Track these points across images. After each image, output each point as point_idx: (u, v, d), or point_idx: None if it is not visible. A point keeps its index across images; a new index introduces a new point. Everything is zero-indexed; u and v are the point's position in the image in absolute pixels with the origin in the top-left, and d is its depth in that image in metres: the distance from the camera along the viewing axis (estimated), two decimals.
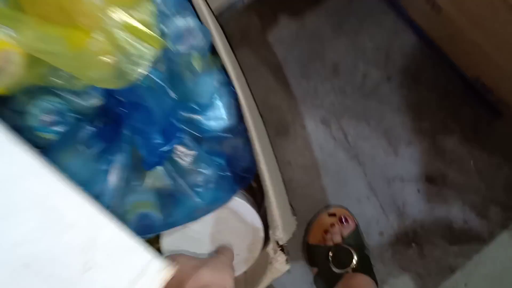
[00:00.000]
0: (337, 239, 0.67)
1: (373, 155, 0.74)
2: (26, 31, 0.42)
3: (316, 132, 0.75)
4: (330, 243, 0.68)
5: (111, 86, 0.40)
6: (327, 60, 0.77)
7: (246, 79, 0.60)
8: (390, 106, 0.74)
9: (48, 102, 0.49)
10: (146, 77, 0.43)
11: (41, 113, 0.49)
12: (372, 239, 0.73)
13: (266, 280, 0.46)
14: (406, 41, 0.76)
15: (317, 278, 0.68)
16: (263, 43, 0.78)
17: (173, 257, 0.45)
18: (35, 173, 0.30)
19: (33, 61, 0.43)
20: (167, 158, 0.45)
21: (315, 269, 0.68)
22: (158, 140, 0.44)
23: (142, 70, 0.40)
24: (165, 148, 0.43)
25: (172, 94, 0.42)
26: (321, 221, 0.70)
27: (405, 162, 0.74)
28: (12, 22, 0.41)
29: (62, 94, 0.48)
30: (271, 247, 0.45)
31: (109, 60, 0.40)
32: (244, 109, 0.45)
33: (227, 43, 0.56)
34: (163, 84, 0.42)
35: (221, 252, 0.47)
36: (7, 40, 0.40)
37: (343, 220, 0.69)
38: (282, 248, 0.46)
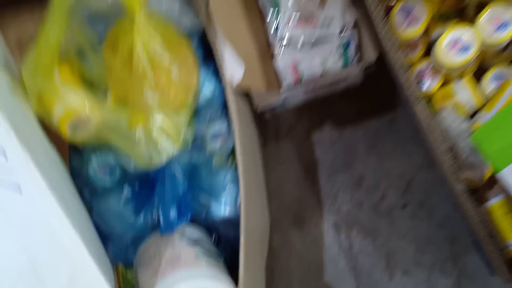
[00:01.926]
0: None
1: (370, 273, 0.78)
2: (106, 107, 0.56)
3: (326, 234, 0.82)
4: None
5: (140, 163, 0.53)
6: (354, 172, 0.84)
7: (263, 175, 0.70)
8: (398, 231, 0.79)
9: (106, 157, 0.63)
10: (170, 164, 0.55)
11: (98, 165, 0.63)
12: None
13: None
14: (430, 177, 0.81)
15: None
16: (305, 141, 0.88)
17: None
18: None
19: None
20: None
21: None
22: (173, 214, 0.56)
23: (162, 158, 0.52)
24: (178, 223, 0.55)
25: (182, 183, 0.54)
26: None
27: None
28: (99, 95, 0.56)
29: (117, 154, 0.63)
30: None
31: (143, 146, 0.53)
32: (242, 216, 0.55)
33: (255, 142, 0.68)
34: (178, 173, 0.54)
35: None
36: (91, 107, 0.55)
37: None
38: None
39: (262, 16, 0.74)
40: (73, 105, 0.51)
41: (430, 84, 0.73)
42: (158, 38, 0.53)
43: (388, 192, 0.81)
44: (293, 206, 0.84)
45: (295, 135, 0.88)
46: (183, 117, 0.53)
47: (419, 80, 0.74)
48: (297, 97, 0.79)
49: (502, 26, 0.64)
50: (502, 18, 0.64)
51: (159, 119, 0.52)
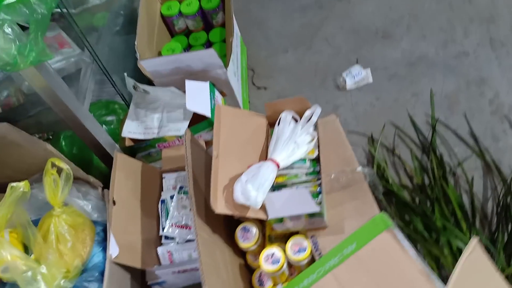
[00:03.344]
0: None
1: None
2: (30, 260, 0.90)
3: None
4: None
5: None
6: None
7: None
8: None
9: None
10: None
11: None
12: None
13: None
14: None
15: None
16: None
17: None
18: None
19: None
20: None
21: None
22: None
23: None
24: None
25: None
26: None
27: None
28: None
29: None
30: None
31: None
32: None
33: None
34: None
35: None
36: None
37: None
38: None
39: (158, 218, 1.13)
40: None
41: (265, 285, 1.03)
42: (68, 221, 0.92)
43: None
44: None
45: None
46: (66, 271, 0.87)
47: (260, 281, 1.04)
48: (175, 279, 1.11)
49: (301, 250, 0.97)
50: (301, 244, 0.98)
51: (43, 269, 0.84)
